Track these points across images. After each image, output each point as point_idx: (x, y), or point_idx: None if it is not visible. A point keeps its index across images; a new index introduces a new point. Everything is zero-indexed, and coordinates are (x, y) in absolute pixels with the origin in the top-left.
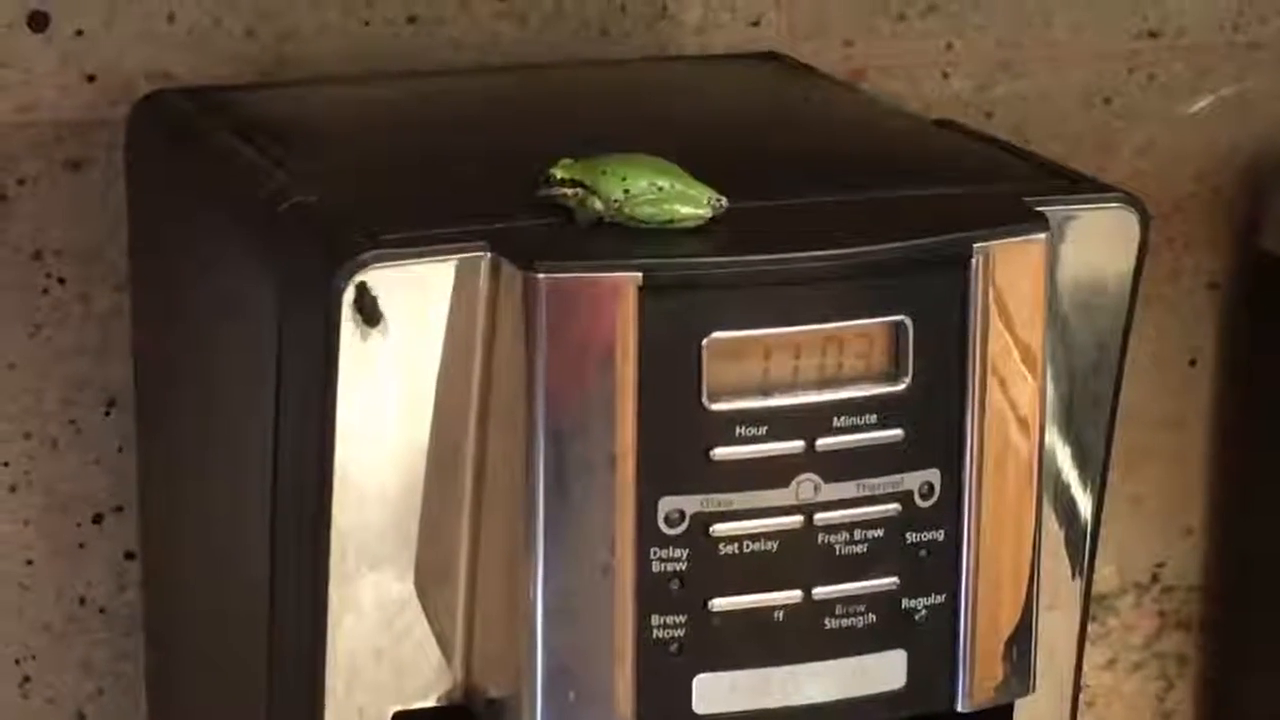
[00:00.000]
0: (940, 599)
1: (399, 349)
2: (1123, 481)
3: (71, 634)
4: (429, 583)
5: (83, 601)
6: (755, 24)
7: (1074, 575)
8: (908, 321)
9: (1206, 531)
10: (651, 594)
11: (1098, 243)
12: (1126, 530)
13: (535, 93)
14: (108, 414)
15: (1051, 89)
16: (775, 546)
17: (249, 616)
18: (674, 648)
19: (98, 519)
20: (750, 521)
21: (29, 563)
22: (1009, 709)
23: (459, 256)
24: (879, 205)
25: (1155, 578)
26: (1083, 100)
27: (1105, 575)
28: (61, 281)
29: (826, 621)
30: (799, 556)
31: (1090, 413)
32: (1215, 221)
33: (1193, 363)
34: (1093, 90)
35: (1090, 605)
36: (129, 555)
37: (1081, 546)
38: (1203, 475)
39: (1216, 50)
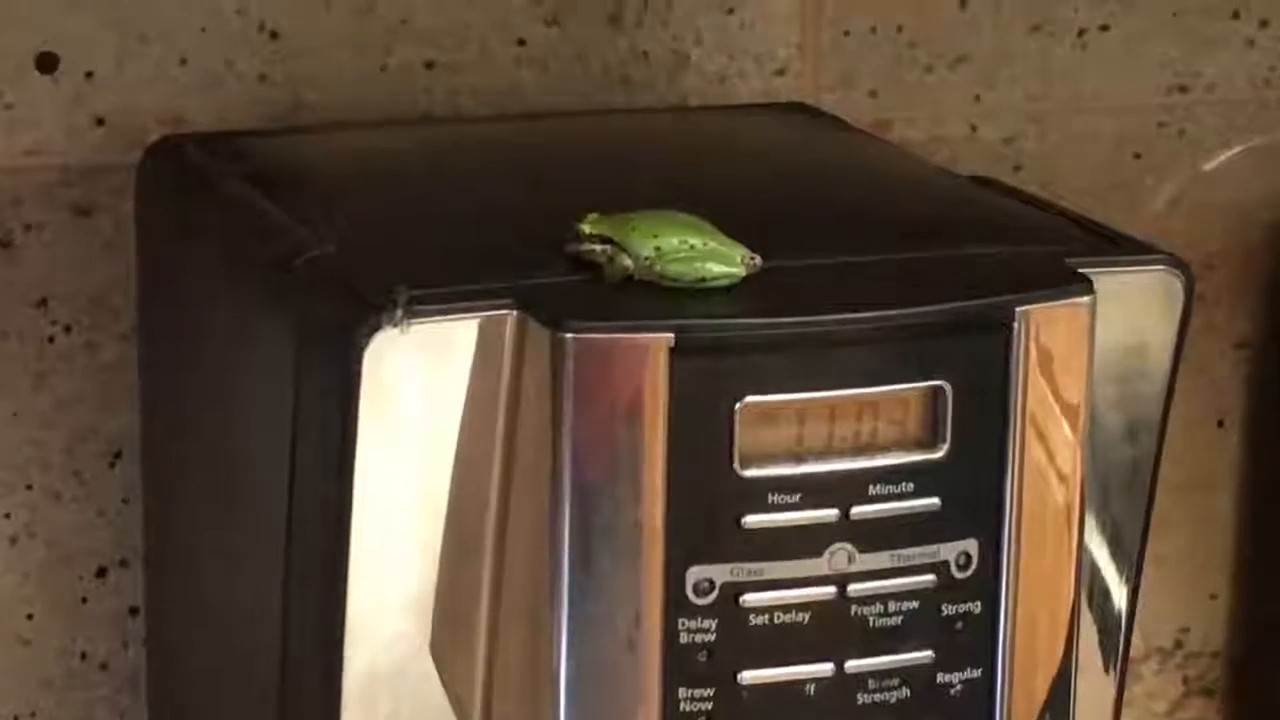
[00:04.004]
0: (976, 674)
1: (419, 408)
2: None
3: (73, 690)
4: (447, 649)
5: (84, 657)
6: (780, 73)
7: (1109, 647)
8: (947, 387)
9: (1232, 597)
10: (679, 665)
11: (1139, 305)
12: (1150, 595)
13: (557, 142)
14: (113, 465)
15: (1080, 143)
16: (807, 618)
17: (258, 678)
18: None
19: (101, 573)
20: (782, 592)
21: (30, 617)
22: None
23: (483, 314)
24: (918, 265)
25: (1179, 644)
26: (1112, 154)
27: None
28: (67, 330)
29: (859, 696)
30: (831, 628)
31: (1128, 480)
32: (1245, 279)
33: (1220, 424)
34: (1122, 144)
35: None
36: (133, 611)
37: (1118, 618)
38: (1229, 539)
39: (1247, 105)
